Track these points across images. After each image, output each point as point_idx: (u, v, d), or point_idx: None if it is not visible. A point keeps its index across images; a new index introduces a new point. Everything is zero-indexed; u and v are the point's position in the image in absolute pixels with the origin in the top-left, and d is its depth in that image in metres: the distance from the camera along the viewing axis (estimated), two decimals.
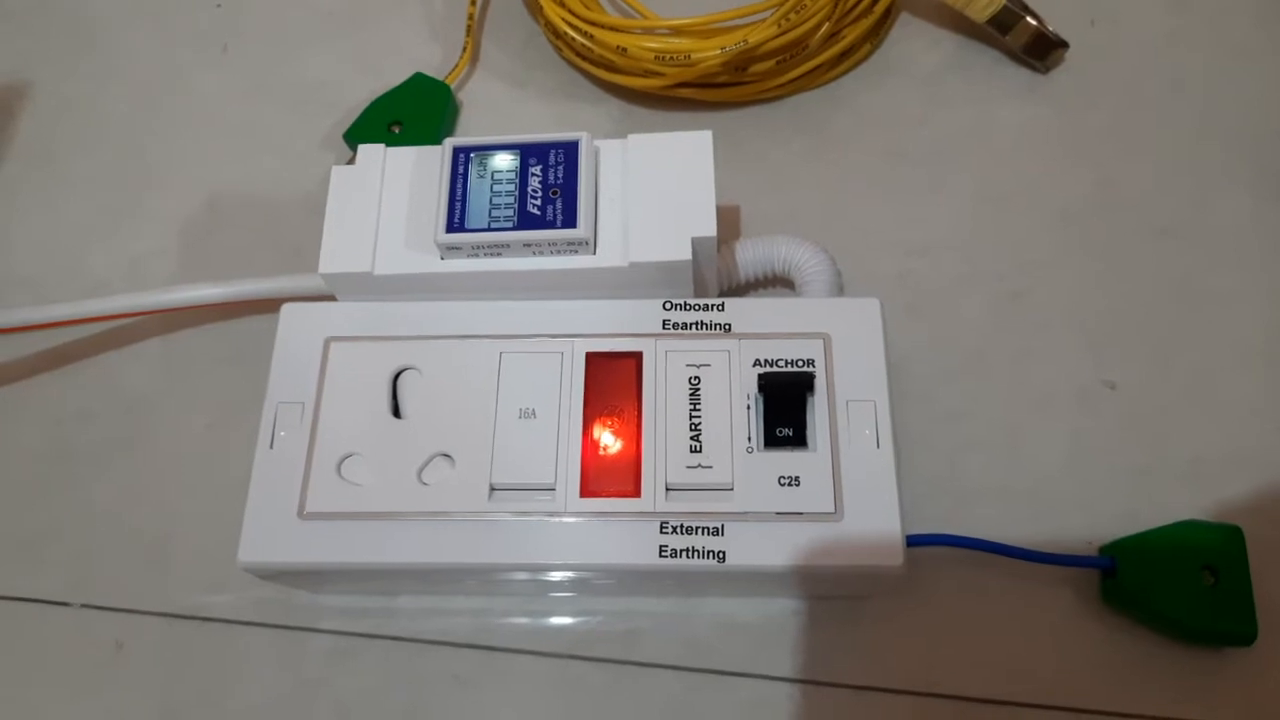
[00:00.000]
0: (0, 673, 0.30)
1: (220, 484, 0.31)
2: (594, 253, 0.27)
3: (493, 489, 0.26)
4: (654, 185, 0.28)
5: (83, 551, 0.31)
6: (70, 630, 0.30)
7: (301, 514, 0.26)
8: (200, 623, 0.30)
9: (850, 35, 0.36)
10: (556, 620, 0.29)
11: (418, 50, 0.39)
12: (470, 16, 0.38)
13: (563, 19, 0.35)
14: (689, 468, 0.26)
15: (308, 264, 0.28)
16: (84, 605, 0.30)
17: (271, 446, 0.27)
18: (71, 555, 0.31)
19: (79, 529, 0.31)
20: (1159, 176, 0.34)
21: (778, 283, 0.32)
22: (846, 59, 0.37)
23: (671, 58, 0.34)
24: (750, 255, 0.31)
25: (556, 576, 0.26)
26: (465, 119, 0.38)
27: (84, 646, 0.30)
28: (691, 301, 0.28)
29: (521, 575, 0.26)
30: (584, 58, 0.36)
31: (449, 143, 0.28)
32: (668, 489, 0.26)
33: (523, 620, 0.29)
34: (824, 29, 0.34)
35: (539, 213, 0.27)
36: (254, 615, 0.30)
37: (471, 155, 0.28)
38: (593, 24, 0.35)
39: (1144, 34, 0.37)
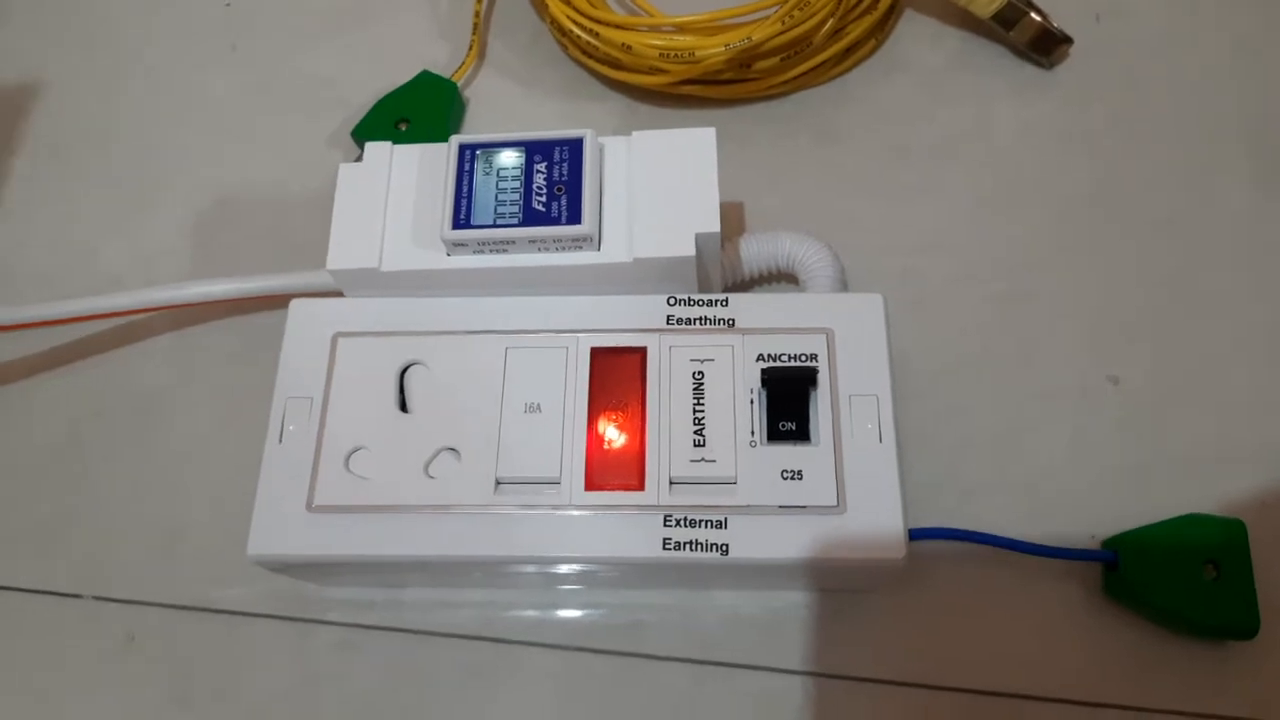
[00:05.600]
0: (13, 664, 0.30)
1: (230, 477, 0.31)
2: (598, 249, 0.28)
3: (498, 483, 0.26)
4: (658, 182, 0.28)
5: (94, 544, 0.31)
6: (82, 622, 0.30)
7: (310, 507, 0.26)
8: (210, 614, 0.30)
9: (854, 32, 0.36)
10: (563, 613, 0.30)
11: (425, 48, 0.39)
12: (476, 15, 0.39)
13: (568, 17, 0.36)
14: (692, 461, 0.26)
15: (316, 260, 0.28)
16: (95, 597, 0.31)
17: (280, 441, 0.27)
18: (83, 548, 0.31)
19: (91, 522, 0.32)
20: (1163, 172, 0.34)
21: (781, 278, 0.32)
22: (851, 55, 0.37)
23: (676, 55, 0.34)
24: (754, 251, 0.31)
25: (562, 569, 0.27)
26: (472, 116, 0.38)
27: (95, 638, 0.30)
28: (695, 297, 0.28)
29: (527, 568, 0.27)
30: (589, 55, 0.37)
31: (455, 140, 0.28)
32: (671, 483, 0.26)
33: (529, 613, 0.30)
34: (828, 25, 0.34)
35: (544, 209, 0.27)
36: (263, 607, 0.30)
37: (477, 152, 0.28)
38: (598, 22, 0.35)
39: (1149, 29, 0.37)
